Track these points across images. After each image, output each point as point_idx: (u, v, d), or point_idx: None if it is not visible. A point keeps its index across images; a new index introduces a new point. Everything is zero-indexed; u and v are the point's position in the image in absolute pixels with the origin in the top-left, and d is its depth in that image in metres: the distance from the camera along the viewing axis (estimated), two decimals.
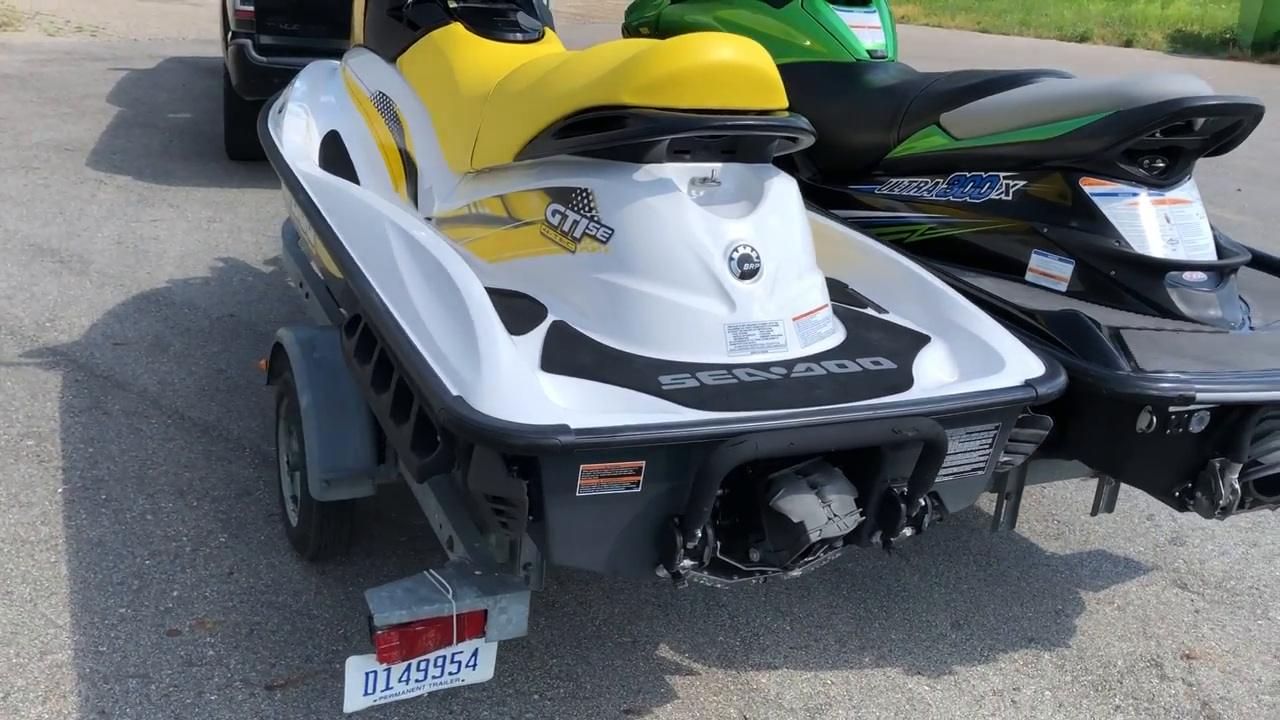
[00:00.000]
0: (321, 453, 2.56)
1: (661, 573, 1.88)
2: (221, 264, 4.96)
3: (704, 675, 2.56)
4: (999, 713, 2.52)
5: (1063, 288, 2.58)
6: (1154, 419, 2.18)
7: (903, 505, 1.96)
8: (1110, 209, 2.55)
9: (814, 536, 1.86)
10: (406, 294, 2.06)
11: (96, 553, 2.82)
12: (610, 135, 2.01)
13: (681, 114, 1.98)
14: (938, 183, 2.87)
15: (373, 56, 3.25)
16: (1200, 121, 2.51)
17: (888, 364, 2.04)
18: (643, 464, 1.76)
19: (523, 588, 2.08)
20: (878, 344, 2.12)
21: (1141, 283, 2.50)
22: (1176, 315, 2.48)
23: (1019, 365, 2.05)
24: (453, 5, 3.04)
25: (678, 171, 2.09)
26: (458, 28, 2.91)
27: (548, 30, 3.03)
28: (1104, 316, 2.42)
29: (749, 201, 2.12)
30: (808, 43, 3.44)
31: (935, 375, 2.04)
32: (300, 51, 5.90)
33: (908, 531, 1.99)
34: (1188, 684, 2.67)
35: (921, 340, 2.17)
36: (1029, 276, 2.64)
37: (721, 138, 2.09)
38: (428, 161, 2.81)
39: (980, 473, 2.06)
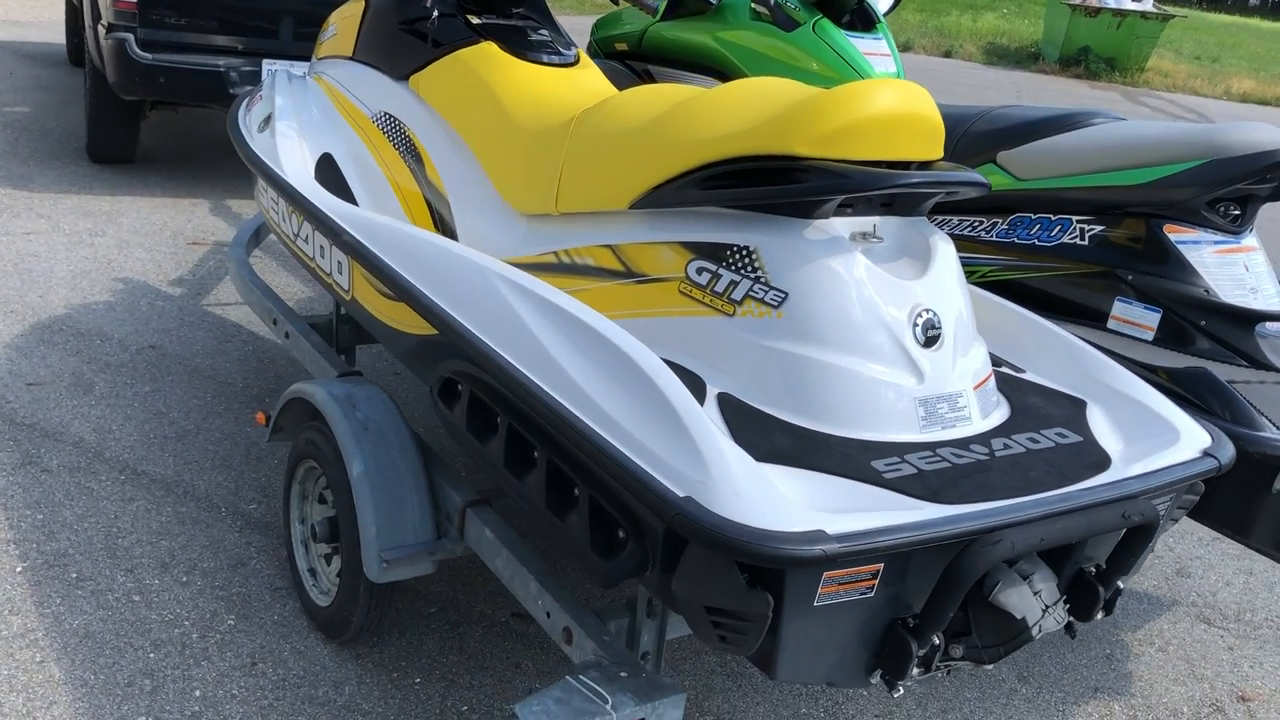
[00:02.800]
0: (379, 529, 2.27)
1: (876, 680, 1.71)
2: (121, 285, 4.46)
3: None
4: None
5: (1149, 337, 2.54)
6: None
7: (1100, 588, 1.85)
8: (1195, 257, 2.52)
9: (1035, 633, 1.73)
10: (558, 367, 1.81)
11: (88, 647, 2.42)
12: (787, 190, 1.81)
13: (874, 170, 1.81)
14: (996, 223, 2.80)
15: (369, 72, 2.93)
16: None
17: (1073, 436, 1.92)
18: (881, 567, 1.59)
19: (676, 690, 1.87)
20: (1047, 412, 2.01)
21: (1232, 333, 2.48)
22: (1266, 366, 2.47)
23: (1189, 433, 1.97)
24: (477, 22, 2.75)
25: (843, 228, 1.92)
26: (491, 47, 2.64)
27: (580, 52, 2.79)
28: (1183, 364, 2.39)
29: (914, 259, 1.96)
30: (820, 68, 3.31)
31: (1114, 446, 1.94)
32: (190, 49, 5.39)
33: (1099, 615, 1.88)
34: None
35: (1080, 405, 2.06)
36: (1111, 324, 2.59)
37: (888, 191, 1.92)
38: (469, 196, 2.53)
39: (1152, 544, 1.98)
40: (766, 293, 1.85)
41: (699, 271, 1.94)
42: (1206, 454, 1.93)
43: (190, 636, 2.50)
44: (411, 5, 2.82)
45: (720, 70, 3.58)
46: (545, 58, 2.67)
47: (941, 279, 1.93)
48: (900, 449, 1.77)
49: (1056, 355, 2.19)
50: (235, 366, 3.87)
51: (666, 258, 2.00)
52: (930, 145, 1.92)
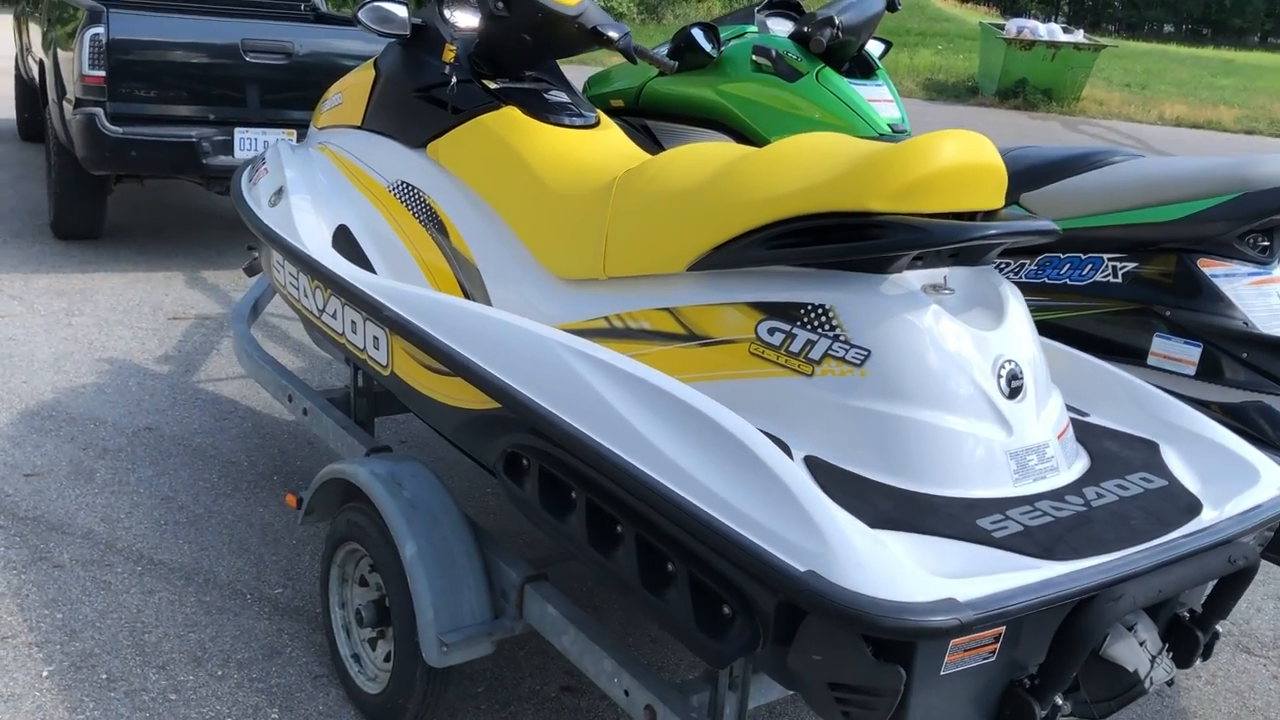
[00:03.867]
0: (437, 612, 2.20)
1: None
2: (107, 366, 4.33)
3: None
4: None
5: (1191, 371, 2.54)
6: None
7: (1199, 633, 1.83)
8: (1231, 289, 2.54)
9: (1148, 685, 1.70)
10: (641, 438, 1.76)
11: None
12: (866, 245, 1.79)
13: (951, 223, 1.79)
14: (1024, 264, 2.80)
15: (382, 141, 2.88)
16: None
17: (1158, 480, 1.91)
18: (1003, 629, 1.55)
19: None
20: (1126, 457, 1.99)
21: (1274, 363, 2.49)
22: None
23: (1266, 470, 1.96)
24: (494, 87, 2.72)
25: (916, 281, 1.90)
26: (514, 112, 2.60)
27: (600, 114, 2.76)
28: (1237, 398, 2.40)
29: (987, 309, 1.94)
30: (825, 116, 3.32)
31: (1198, 488, 1.93)
32: (160, 120, 5.30)
33: (1199, 661, 1.86)
34: None
35: (1153, 447, 2.05)
36: (1152, 360, 2.59)
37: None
38: (502, 264, 2.49)
39: None
40: (848, 351, 1.82)
41: (771, 332, 1.90)
42: None
43: None
44: (427, 72, 2.78)
45: (723, 124, 3.57)
46: (567, 120, 2.64)
47: (1017, 328, 1.91)
48: (1000, 505, 1.74)
49: (1118, 397, 2.19)
50: (237, 445, 3.77)
51: (733, 319, 1.96)
52: (996, 194, 1.91)
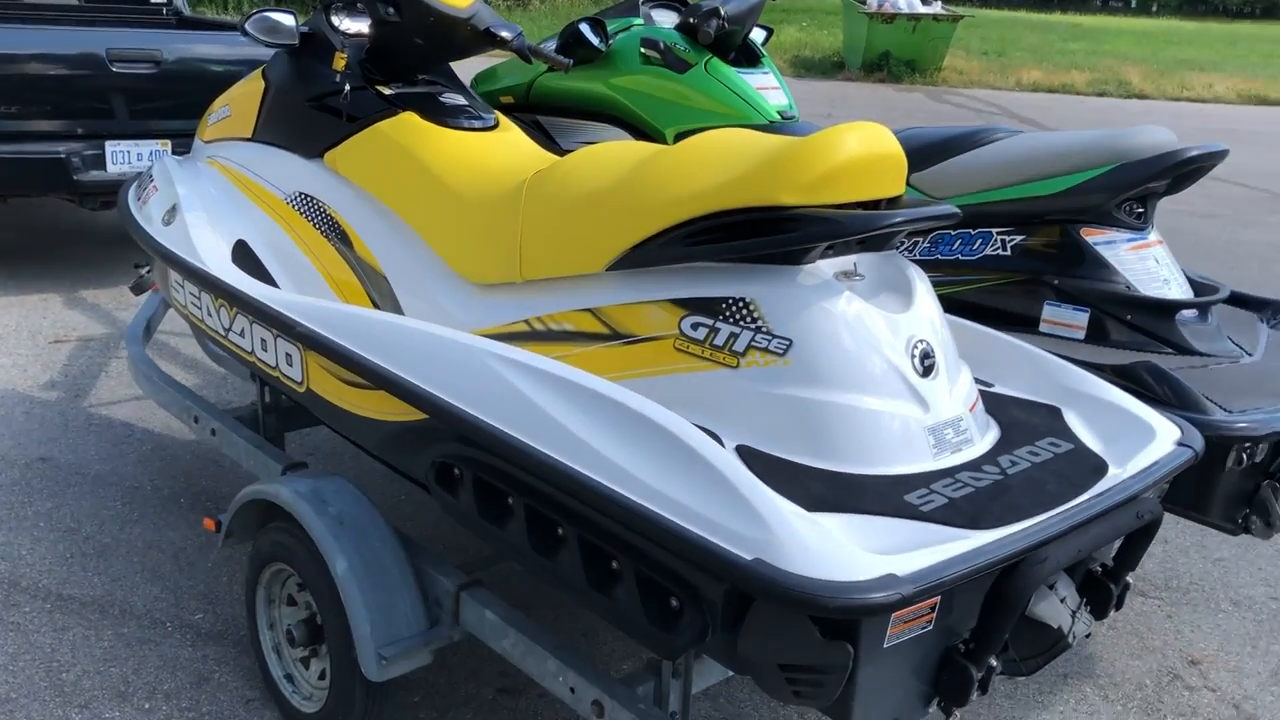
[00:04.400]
0: (372, 626, 2.20)
1: (933, 709, 1.75)
2: None
3: None
4: None
5: (1080, 336, 2.67)
6: (1245, 456, 2.30)
7: (1111, 586, 1.94)
8: (1113, 256, 2.68)
9: (1071, 640, 1.80)
10: (578, 440, 1.78)
11: None
12: (781, 239, 1.84)
13: (861, 212, 1.86)
14: (918, 242, 2.90)
15: (276, 152, 2.83)
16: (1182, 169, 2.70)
17: (1065, 444, 2.01)
18: (938, 600, 1.63)
19: None
20: (1032, 424, 2.09)
21: (1157, 324, 2.64)
22: (1191, 351, 2.64)
23: (1161, 427, 2.09)
24: (389, 92, 2.70)
25: (829, 269, 1.96)
26: (411, 117, 2.59)
27: (499, 115, 2.77)
28: (1126, 359, 2.53)
29: (895, 292, 2.02)
30: (716, 107, 3.38)
31: (1102, 448, 2.04)
32: (25, 137, 5.10)
33: (1113, 611, 1.97)
34: (1211, 690, 2.85)
35: (1055, 412, 2.16)
36: (1043, 328, 2.72)
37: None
38: (411, 272, 2.48)
39: None
40: (770, 341, 1.87)
41: (694, 327, 1.95)
42: (1181, 444, 2.04)
43: None
44: (318, 81, 2.74)
45: (615, 117, 3.60)
46: (466, 122, 2.64)
47: (925, 308, 2.00)
48: (923, 479, 1.81)
49: (1018, 366, 2.29)
50: (139, 469, 3.67)
51: (656, 316, 2.00)
52: (898, 182, 1.98)
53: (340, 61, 2.64)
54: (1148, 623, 3.13)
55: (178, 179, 2.95)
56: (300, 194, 2.75)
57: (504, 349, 1.98)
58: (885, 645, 1.59)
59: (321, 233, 2.68)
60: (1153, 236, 2.77)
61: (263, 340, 2.51)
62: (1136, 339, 2.65)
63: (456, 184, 2.44)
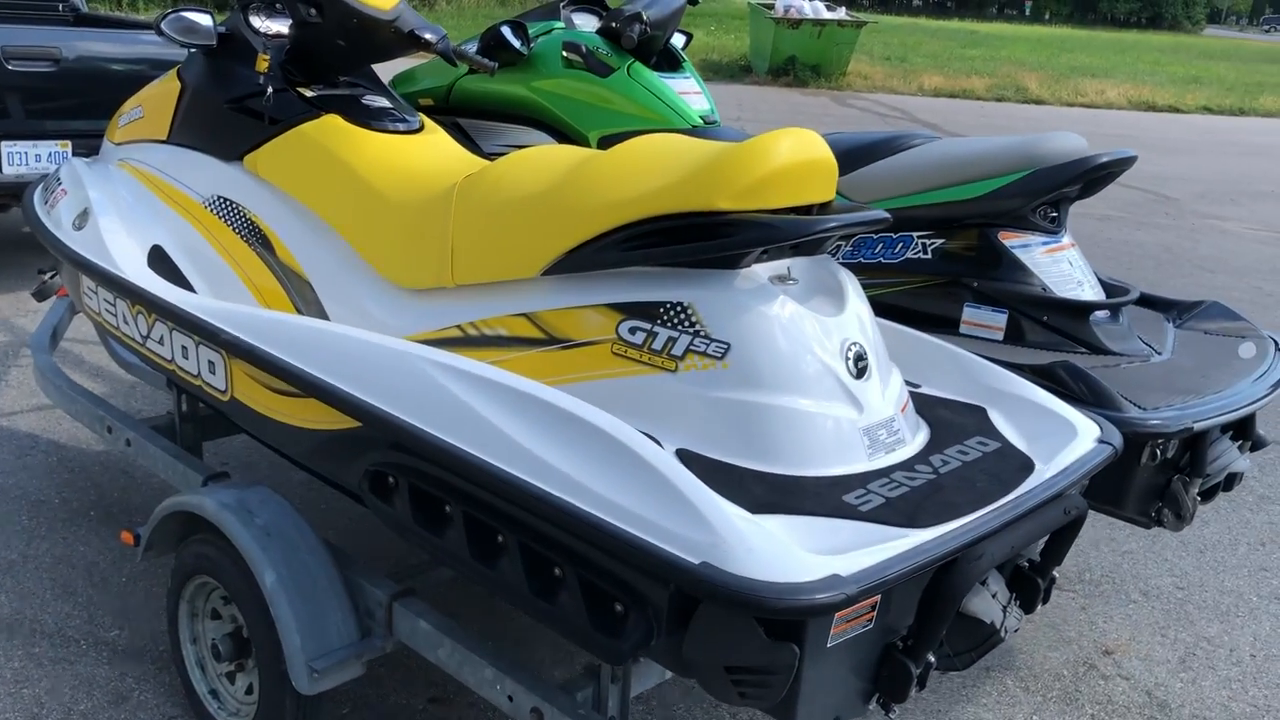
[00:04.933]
0: (303, 639, 2.16)
1: (873, 706, 1.78)
2: None
3: None
4: None
5: (999, 337, 2.74)
6: (1158, 452, 2.39)
7: (1039, 580, 1.99)
8: (1029, 259, 2.75)
9: (1004, 635, 1.85)
10: (517, 446, 1.77)
11: None
12: (717, 244, 1.86)
13: (795, 217, 1.88)
14: (840, 245, 2.95)
15: (192, 155, 2.76)
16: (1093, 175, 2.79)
17: (993, 443, 2.06)
18: (879, 598, 1.66)
19: None
20: (960, 423, 2.14)
21: (1071, 325, 2.72)
22: (1104, 351, 2.72)
23: (1081, 425, 2.15)
24: (310, 94, 2.65)
25: (764, 274, 1.98)
26: (335, 119, 2.55)
27: (423, 118, 2.74)
28: (1045, 359, 2.61)
29: (828, 296, 2.05)
30: (640, 111, 3.39)
31: (1026, 446, 2.09)
32: None
33: (1040, 605, 2.03)
34: (1124, 678, 2.94)
35: (980, 412, 2.21)
36: (964, 329, 2.78)
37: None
38: (337, 277, 2.44)
39: None
40: (709, 345, 1.89)
41: (632, 331, 1.95)
42: (1102, 441, 2.11)
43: None
44: (238, 82, 2.68)
45: (537, 120, 3.59)
46: (390, 125, 2.61)
47: (857, 311, 2.03)
48: (860, 480, 1.84)
49: (943, 367, 2.34)
50: (44, 481, 3.55)
51: (593, 321, 2.00)
52: (830, 187, 2.01)
53: (263, 63, 2.59)
54: (1063, 615, 3.22)
55: (88, 182, 2.86)
56: (219, 198, 2.68)
57: (439, 354, 1.96)
58: (829, 645, 1.62)
59: (241, 237, 2.63)
60: (1066, 240, 2.86)
61: (183, 347, 2.45)
62: (1052, 339, 2.72)
63: (383, 187, 2.41)
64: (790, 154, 1.91)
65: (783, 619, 1.54)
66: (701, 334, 1.90)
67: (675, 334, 1.91)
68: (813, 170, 1.95)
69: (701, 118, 3.40)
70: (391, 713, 2.58)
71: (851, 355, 1.95)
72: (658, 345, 1.93)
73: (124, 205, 2.80)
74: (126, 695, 2.57)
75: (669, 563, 1.56)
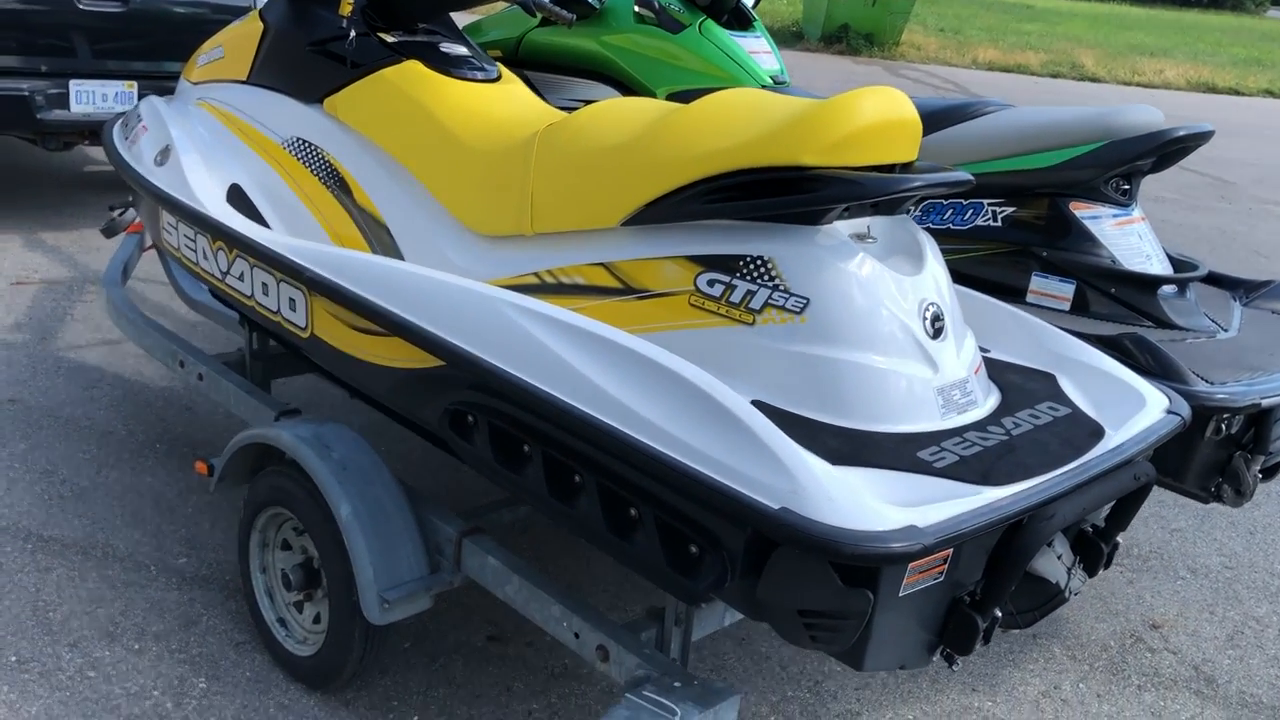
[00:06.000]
0: (376, 570, 2.22)
1: (936, 658, 1.82)
2: None
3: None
4: (1061, 713, 2.66)
5: (1065, 307, 2.75)
6: (1222, 427, 2.39)
7: (1102, 545, 2.01)
8: (1099, 230, 2.75)
9: (1068, 595, 1.87)
10: (599, 389, 1.81)
11: None
12: (803, 199, 1.88)
13: (881, 175, 1.89)
14: (909, 210, 2.95)
15: (273, 96, 2.80)
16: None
17: (1063, 409, 2.08)
18: (951, 551, 1.69)
19: (731, 692, 1.92)
20: (1030, 389, 2.15)
21: (1139, 298, 2.72)
22: (1171, 325, 2.72)
23: (1150, 395, 2.16)
24: (391, 40, 2.69)
25: (845, 230, 2.00)
26: (417, 66, 2.58)
27: (500, 66, 2.76)
28: (1112, 331, 2.61)
29: (906, 256, 2.07)
30: (710, 69, 3.39)
31: (1097, 414, 2.11)
32: None
33: (1102, 570, 2.05)
34: (1171, 652, 2.96)
35: (1050, 379, 2.23)
36: (1030, 298, 2.79)
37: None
38: (414, 221, 2.48)
39: None
40: (787, 299, 1.91)
41: (710, 283, 1.98)
42: (1170, 412, 2.12)
43: (165, 706, 2.36)
44: (320, 25, 2.72)
45: (605, 75, 3.60)
46: (470, 73, 2.64)
47: (935, 272, 2.05)
48: (934, 438, 1.87)
49: (1013, 333, 2.35)
50: (111, 413, 3.63)
51: (671, 272, 2.03)
52: (913, 147, 2.02)
53: (346, 6, 2.62)
54: (1111, 589, 3.23)
55: (169, 119, 2.92)
56: (298, 139, 2.73)
57: (523, 299, 2.00)
58: (900, 594, 1.65)
59: (319, 179, 2.67)
60: (1136, 213, 2.85)
61: (263, 284, 2.50)
62: (1119, 311, 2.73)
63: (464, 135, 2.44)
64: (877, 112, 1.92)
65: (859, 565, 1.57)
66: (780, 288, 1.92)
67: (754, 287, 1.94)
68: (899, 129, 1.96)
69: (771, 77, 3.40)
70: (452, 648, 2.64)
71: (929, 315, 1.97)
72: (735, 298, 1.95)
73: (204, 143, 2.84)
74: (195, 620, 2.65)
75: (749, 507, 1.60)
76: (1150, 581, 3.29)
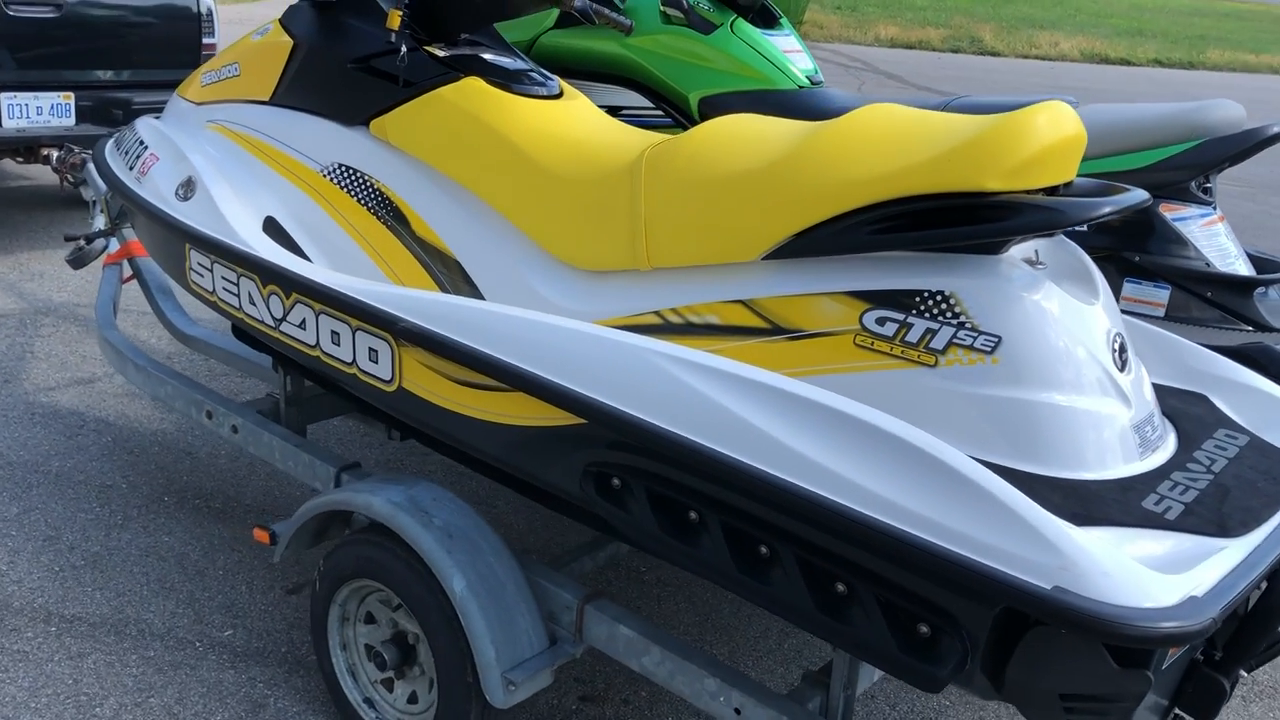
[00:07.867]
0: (498, 649, 2.01)
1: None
2: None
3: None
4: None
5: (1161, 313, 2.65)
6: None
7: None
8: (1190, 232, 2.66)
9: None
10: (793, 452, 1.63)
11: None
12: (997, 227, 1.71)
13: (1073, 200, 1.74)
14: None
15: (305, 118, 2.54)
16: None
17: (1241, 436, 1.96)
18: None
19: None
20: (1194, 414, 2.04)
21: (1236, 300, 2.63)
22: (1269, 328, 2.64)
23: None
24: (442, 55, 2.45)
25: (1019, 257, 1.85)
26: (477, 83, 2.35)
27: (559, 79, 2.54)
28: (1211, 337, 2.53)
29: (1076, 279, 1.93)
30: (744, 71, 3.22)
31: (1271, 437, 2.00)
32: None
33: None
34: None
35: (1203, 399, 2.12)
36: (1123, 305, 2.68)
37: None
38: (493, 255, 2.26)
39: None
40: (976, 338, 1.75)
41: (880, 321, 1.81)
42: None
43: None
44: (363, 40, 2.46)
45: (630, 79, 3.38)
46: (532, 89, 2.41)
47: (1109, 297, 1.91)
48: (1146, 482, 1.73)
49: (1145, 351, 2.23)
50: (105, 463, 3.32)
51: (831, 309, 1.85)
52: (1076, 165, 1.88)
53: (395, 19, 2.37)
54: None
55: (185, 147, 2.62)
56: (340, 166, 2.47)
57: (679, 350, 1.80)
58: (1164, 667, 1.51)
59: (369, 210, 2.42)
60: (1218, 213, 2.77)
61: (334, 333, 2.25)
62: (1215, 316, 2.64)
63: (543, 159, 2.23)
64: (1054, 130, 1.77)
65: (1146, 647, 1.42)
66: (968, 326, 1.76)
67: (935, 325, 1.77)
68: (1070, 148, 1.82)
69: (808, 78, 3.24)
70: (544, 713, 2.44)
71: (1116, 346, 1.83)
72: (912, 337, 1.79)
73: (229, 173, 2.57)
74: (262, 702, 2.39)
75: (1015, 588, 1.44)
76: None
